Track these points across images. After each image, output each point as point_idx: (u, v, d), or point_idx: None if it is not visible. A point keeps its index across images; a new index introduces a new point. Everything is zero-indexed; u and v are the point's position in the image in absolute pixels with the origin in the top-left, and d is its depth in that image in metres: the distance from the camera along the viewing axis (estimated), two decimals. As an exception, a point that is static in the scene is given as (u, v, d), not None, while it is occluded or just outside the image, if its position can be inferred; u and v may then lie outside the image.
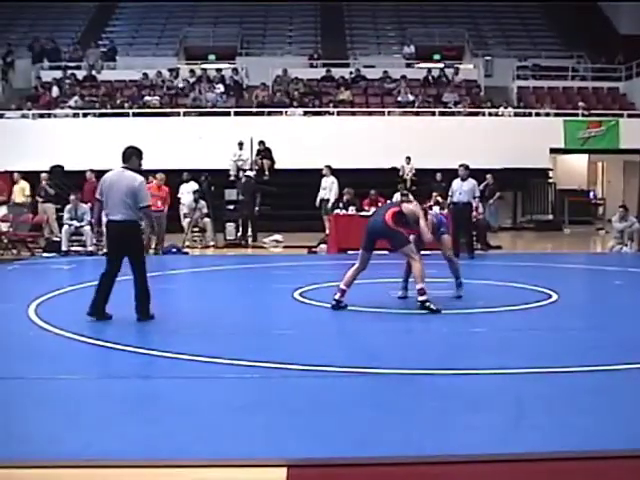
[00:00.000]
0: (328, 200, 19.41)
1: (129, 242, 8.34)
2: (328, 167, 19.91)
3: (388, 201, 9.70)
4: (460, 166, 15.62)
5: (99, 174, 18.51)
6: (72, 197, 16.68)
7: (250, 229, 18.97)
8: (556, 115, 25.23)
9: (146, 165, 23.03)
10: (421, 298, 8.89)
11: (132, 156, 8.38)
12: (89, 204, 16.86)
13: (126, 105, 25.37)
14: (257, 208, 19.35)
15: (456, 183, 15.55)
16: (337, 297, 9.02)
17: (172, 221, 19.35)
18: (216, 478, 4.10)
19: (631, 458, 4.25)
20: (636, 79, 27.25)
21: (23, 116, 24.42)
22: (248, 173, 21.18)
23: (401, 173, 22.37)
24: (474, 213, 15.90)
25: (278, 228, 19.74)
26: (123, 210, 8.14)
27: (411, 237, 9.61)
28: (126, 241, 8.34)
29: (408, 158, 22.28)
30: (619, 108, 26.18)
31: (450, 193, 15.69)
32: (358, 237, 9.59)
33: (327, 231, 18.25)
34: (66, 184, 17.88)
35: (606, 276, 13.29)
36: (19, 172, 18.20)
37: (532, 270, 13.72)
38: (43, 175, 17.48)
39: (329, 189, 19.63)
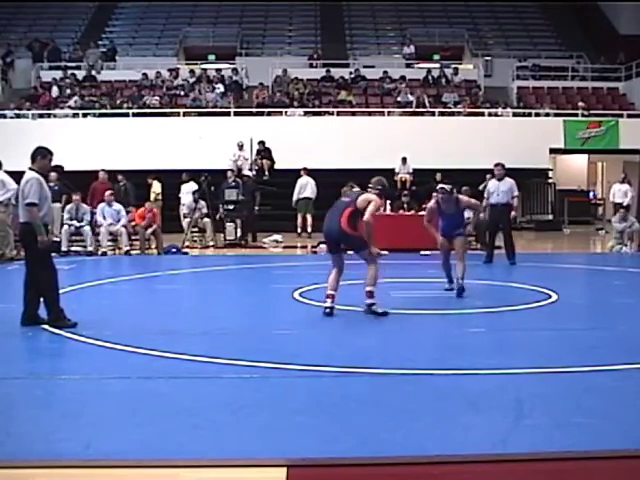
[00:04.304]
0: (311, 199, 20.51)
1: (27, 244, 8.10)
2: (305, 169, 20.86)
3: (344, 198, 9.36)
4: (496, 165, 14.75)
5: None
6: (75, 197, 16.63)
7: (248, 229, 19.01)
8: (556, 115, 25.21)
9: (146, 165, 23.20)
10: (368, 301, 8.81)
11: (37, 156, 8.09)
12: (102, 204, 16.83)
13: (126, 105, 25.35)
14: (257, 208, 19.44)
15: (492, 184, 14.66)
16: (328, 304, 8.84)
17: (172, 221, 19.40)
18: (216, 478, 4.10)
19: (631, 458, 4.26)
20: (636, 79, 27.24)
21: (23, 116, 24.43)
22: (246, 173, 21.28)
23: (397, 172, 22.32)
24: (513, 213, 14.88)
25: (278, 228, 19.77)
26: (23, 212, 7.99)
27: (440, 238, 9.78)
28: (25, 243, 8.16)
29: (404, 159, 22.23)
30: (619, 108, 26.17)
31: (486, 195, 14.77)
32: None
33: (309, 229, 20.24)
34: (68, 185, 17.83)
35: (606, 276, 13.29)
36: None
37: (532, 270, 13.72)
38: (52, 175, 17.34)
39: (310, 189, 20.61)
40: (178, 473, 4.11)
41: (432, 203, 10.57)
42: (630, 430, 4.65)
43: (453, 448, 4.39)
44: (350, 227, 8.75)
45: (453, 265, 10.36)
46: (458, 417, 4.97)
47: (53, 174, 17.21)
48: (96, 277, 12.60)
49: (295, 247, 18.46)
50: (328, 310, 8.82)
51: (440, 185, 10.48)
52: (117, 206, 16.78)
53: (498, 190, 14.47)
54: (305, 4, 33.89)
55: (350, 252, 9.11)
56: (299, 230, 20.62)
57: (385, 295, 9.85)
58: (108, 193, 16.87)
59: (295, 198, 20.67)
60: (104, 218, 16.55)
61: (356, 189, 9.49)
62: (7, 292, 10.46)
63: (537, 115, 25.56)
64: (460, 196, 10.48)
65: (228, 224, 18.46)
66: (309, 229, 20.56)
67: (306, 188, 20.61)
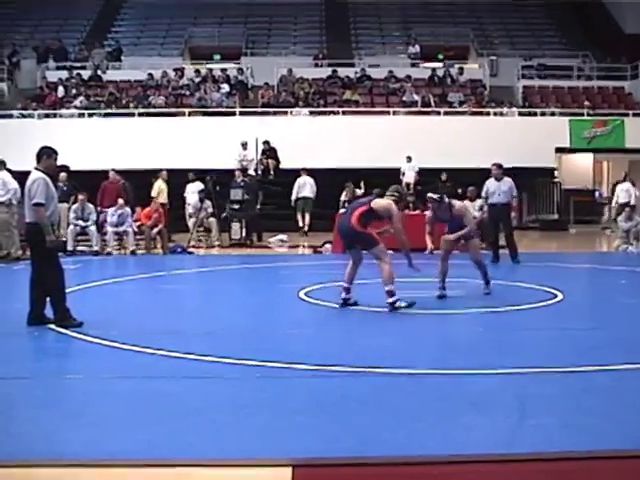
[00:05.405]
0: (310, 198, 21.16)
1: (33, 244, 8.15)
2: (304, 169, 21.40)
3: (361, 199, 9.74)
4: (493, 165, 14.59)
5: (106, 174, 18.73)
6: (80, 197, 16.65)
7: (252, 228, 19.08)
8: (561, 114, 25.17)
9: (152, 165, 23.23)
10: (390, 300, 8.90)
11: (42, 156, 8.12)
12: (112, 208, 16.84)
13: (131, 105, 25.41)
14: (258, 207, 19.48)
15: (491, 184, 14.48)
16: (343, 296, 9.17)
17: (178, 221, 19.43)
18: (221, 478, 4.12)
19: (632, 458, 4.26)
20: (641, 78, 27.23)
21: (29, 116, 24.48)
22: (250, 172, 21.37)
23: (403, 171, 22.33)
24: (513, 214, 14.85)
25: (282, 228, 19.80)
26: (29, 212, 8.02)
27: (449, 235, 9.77)
28: (31, 243, 8.22)
29: (409, 158, 22.22)
30: (624, 107, 26.12)
31: (484, 194, 14.68)
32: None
33: (306, 228, 21.02)
34: (76, 185, 17.84)
35: (611, 276, 13.27)
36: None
37: (537, 270, 13.71)
38: (62, 175, 17.34)
39: (310, 188, 21.22)
40: (183, 473, 4.13)
41: (429, 213, 10.43)
42: (631, 430, 4.64)
43: (455, 448, 4.40)
44: (360, 225, 8.95)
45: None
46: (460, 417, 4.97)
47: (63, 174, 17.23)
48: (102, 277, 12.63)
49: (300, 247, 18.50)
50: (342, 301, 9.11)
51: (429, 195, 10.26)
52: (127, 210, 16.82)
53: (499, 190, 14.42)
54: (310, 4, 33.90)
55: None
56: (305, 229, 21.00)
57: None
58: (121, 202, 16.84)
59: (294, 197, 21.10)
60: (115, 223, 16.59)
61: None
62: (13, 292, 10.50)
63: (542, 114, 25.53)
64: (453, 202, 10.18)
65: (233, 224, 18.48)
66: (306, 228, 20.98)
67: (304, 188, 21.10)
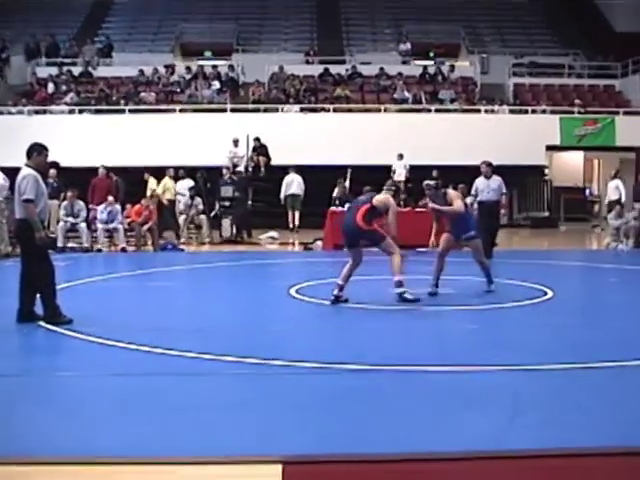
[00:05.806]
0: (298, 195, 21.27)
1: (23, 241, 8.14)
2: (292, 167, 21.49)
3: (361, 197, 9.82)
4: (482, 163, 14.53)
5: (96, 171, 18.67)
6: (69, 194, 16.59)
7: (243, 226, 19.08)
8: (552, 112, 25.21)
9: (142, 162, 23.17)
10: (398, 290, 9.12)
11: (33, 153, 8.08)
12: (102, 205, 16.78)
13: (122, 102, 25.31)
14: (250, 203, 19.49)
15: (481, 182, 14.52)
16: (335, 292, 9.21)
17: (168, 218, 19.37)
18: (211, 475, 4.10)
19: (626, 455, 4.26)
20: (632, 76, 27.27)
21: (19, 112, 24.36)
22: (240, 169, 21.37)
23: (394, 169, 22.33)
24: (502, 211, 15.01)
25: (272, 225, 19.79)
26: (19, 208, 7.98)
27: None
28: (21, 240, 8.21)
29: (400, 155, 22.24)
30: (615, 105, 26.18)
31: (474, 192, 14.67)
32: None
33: (296, 223, 21.20)
34: (64, 182, 17.76)
35: (602, 273, 13.32)
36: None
37: (528, 267, 13.73)
38: (52, 172, 17.24)
39: (298, 185, 21.33)
40: (174, 470, 4.11)
41: (429, 204, 10.49)
42: (624, 427, 4.65)
43: (449, 445, 4.39)
44: (365, 223, 9.13)
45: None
46: (454, 414, 4.97)
47: (52, 171, 17.15)
48: (92, 274, 12.59)
49: (291, 244, 18.50)
50: (334, 298, 9.17)
51: (425, 182, 10.43)
52: (116, 207, 16.78)
53: (489, 188, 14.49)
54: (301, 0, 33.84)
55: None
56: (296, 223, 21.19)
57: (384, 292, 9.85)
58: (111, 199, 16.80)
59: (282, 195, 21.23)
60: (104, 220, 16.55)
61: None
62: (3, 288, 10.45)
63: (533, 112, 25.55)
64: (448, 191, 10.34)
65: (224, 221, 18.47)
66: (296, 222, 21.17)
67: (292, 185, 21.19)
